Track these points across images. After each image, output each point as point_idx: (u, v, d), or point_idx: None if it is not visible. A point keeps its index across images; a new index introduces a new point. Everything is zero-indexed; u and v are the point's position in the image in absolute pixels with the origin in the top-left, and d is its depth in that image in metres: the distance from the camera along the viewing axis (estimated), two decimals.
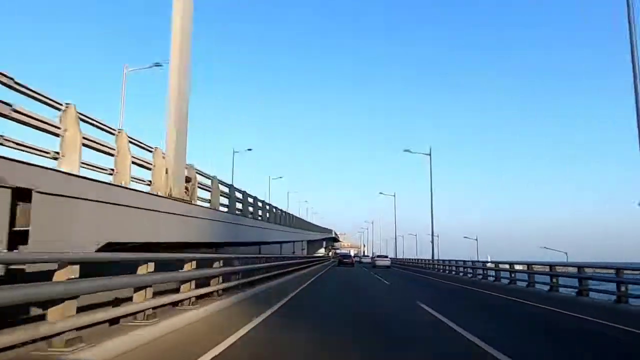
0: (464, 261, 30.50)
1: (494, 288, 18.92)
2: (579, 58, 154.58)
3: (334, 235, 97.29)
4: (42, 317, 4.66)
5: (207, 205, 13.55)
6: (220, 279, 10.47)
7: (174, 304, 7.94)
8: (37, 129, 6.57)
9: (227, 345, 5.82)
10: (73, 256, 5.06)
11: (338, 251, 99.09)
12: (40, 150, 6.65)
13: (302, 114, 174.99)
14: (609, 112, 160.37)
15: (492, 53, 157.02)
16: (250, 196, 20.26)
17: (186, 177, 11.77)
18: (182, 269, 8.37)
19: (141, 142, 9.93)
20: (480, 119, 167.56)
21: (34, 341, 4.27)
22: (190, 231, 11.02)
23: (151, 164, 10.39)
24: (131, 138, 9.27)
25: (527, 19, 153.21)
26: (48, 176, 5.86)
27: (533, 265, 19.17)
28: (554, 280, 16.40)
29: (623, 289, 12.30)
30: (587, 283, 14.50)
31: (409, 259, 57.42)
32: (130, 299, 6.53)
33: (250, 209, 20.26)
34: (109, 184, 7.98)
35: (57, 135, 6.93)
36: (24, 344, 4.13)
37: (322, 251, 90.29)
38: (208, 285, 9.76)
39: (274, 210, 27.59)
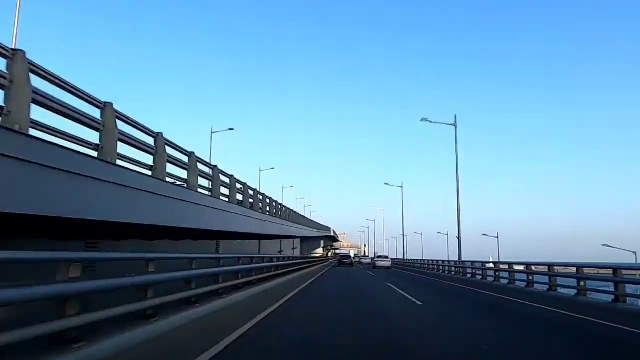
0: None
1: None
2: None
3: (332, 234, 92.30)
4: None
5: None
6: None
7: None
8: None
9: None
10: None
11: (338, 251, 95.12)
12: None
13: (299, 109, 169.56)
14: None
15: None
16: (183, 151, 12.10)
17: None
18: None
19: None
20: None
21: None
22: None
23: None
24: None
25: None
26: None
27: None
28: None
29: None
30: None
31: (419, 260, 46.58)
32: None
33: (206, 183, 14.69)
34: None
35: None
36: None
37: (319, 251, 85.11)
38: None
39: (244, 189, 19.25)
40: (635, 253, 41.98)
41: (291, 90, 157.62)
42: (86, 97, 7.22)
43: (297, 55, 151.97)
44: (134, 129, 8.98)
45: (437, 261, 35.66)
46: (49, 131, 6.29)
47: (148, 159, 9.90)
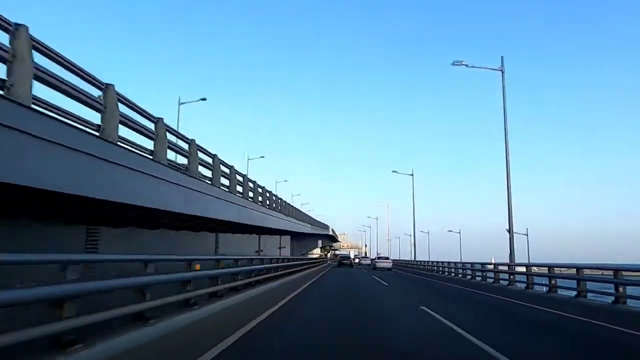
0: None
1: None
2: None
3: (331, 234, 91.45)
4: None
5: None
6: None
7: None
8: None
9: None
10: None
11: (337, 252, 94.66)
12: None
13: (298, 109, 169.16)
14: None
15: None
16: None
17: None
18: None
19: None
20: None
21: None
22: None
23: None
24: None
25: None
26: None
27: None
28: None
29: None
30: None
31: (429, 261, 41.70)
32: None
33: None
34: None
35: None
36: None
37: (316, 251, 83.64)
38: None
39: (214, 162, 14.58)
40: None
41: (285, 83, 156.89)
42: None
43: (296, 49, 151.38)
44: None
45: (457, 263, 30.07)
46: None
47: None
